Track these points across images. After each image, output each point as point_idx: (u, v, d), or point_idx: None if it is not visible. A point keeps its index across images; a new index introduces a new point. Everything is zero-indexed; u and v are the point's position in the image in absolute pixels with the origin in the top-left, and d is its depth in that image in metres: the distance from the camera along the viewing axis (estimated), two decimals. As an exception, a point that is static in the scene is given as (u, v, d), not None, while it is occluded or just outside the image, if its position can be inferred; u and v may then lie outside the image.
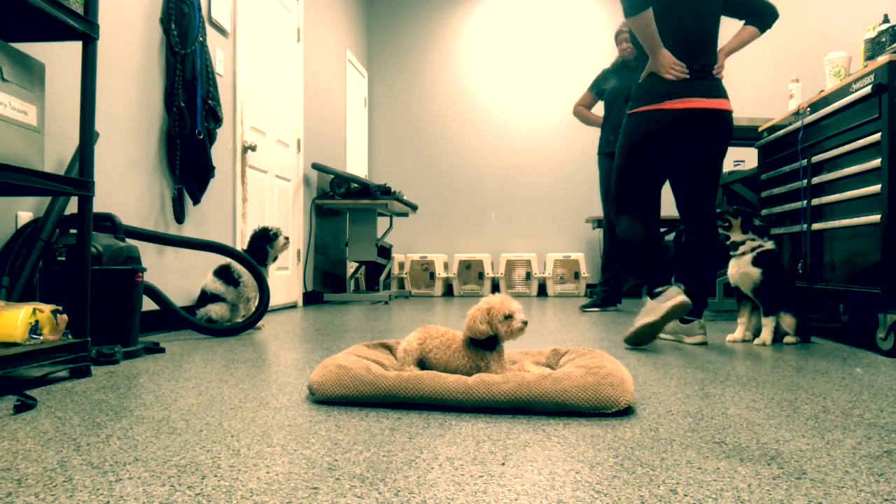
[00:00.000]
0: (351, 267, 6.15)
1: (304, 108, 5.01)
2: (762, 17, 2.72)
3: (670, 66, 2.53)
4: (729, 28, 4.21)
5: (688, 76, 2.55)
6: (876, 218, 2.41)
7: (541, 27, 6.92)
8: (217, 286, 3.08)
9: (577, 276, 6.51)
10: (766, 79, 5.19)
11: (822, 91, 2.86)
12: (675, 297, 2.47)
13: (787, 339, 2.67)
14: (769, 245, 2.69)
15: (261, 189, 4.23)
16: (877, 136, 2.42)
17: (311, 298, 5.21)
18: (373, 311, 4.38)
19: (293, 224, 4.83)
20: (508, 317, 1.59)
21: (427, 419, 1.37)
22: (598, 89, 4.70)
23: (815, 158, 2.90)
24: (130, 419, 1.36)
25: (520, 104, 6.92)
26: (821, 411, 1.44)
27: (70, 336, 1.86)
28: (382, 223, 6.91)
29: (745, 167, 4.67)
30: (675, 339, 2.74)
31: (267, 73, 4.31)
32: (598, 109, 4.95)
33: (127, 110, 2.81)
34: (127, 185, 2.80)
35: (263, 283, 3.00)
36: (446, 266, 6.81)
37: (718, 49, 2.72)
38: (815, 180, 2.89)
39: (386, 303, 5.36)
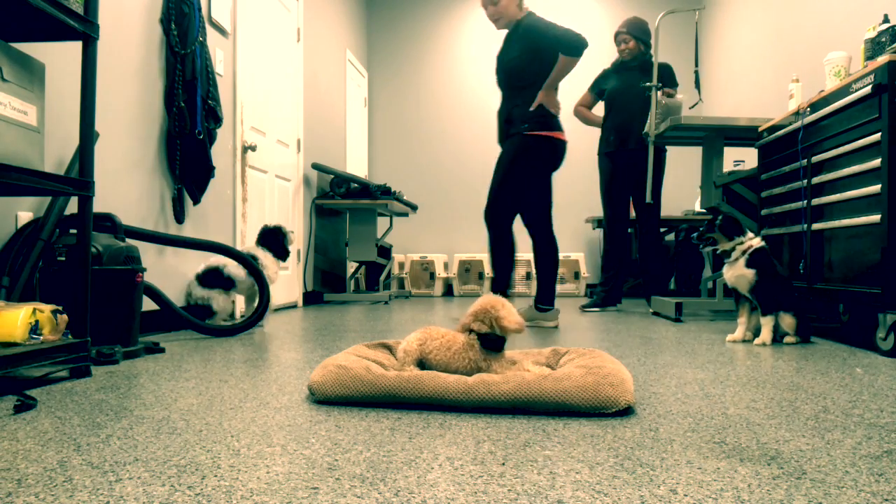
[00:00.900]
0: (351, 267, 6.15)
1: (304, 108, 5.01)
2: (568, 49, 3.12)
3: (558, 105, 3.25)
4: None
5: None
6: (876, 218, 2.41)
7: (541, 27, 6.92)
8: (203, 294, 3.11)
9: (577, 276, 6.52)
10: (766, 79, 5.19)
11: (822, 91, 2.86)
12: (554, 320, 3.34)
13: (787, 339, 2.67)
14: (758, 242, 2.70)
15: (261, 189, 4.23)
16: (877, 136, 2.42)
17: (311, 298, 5.21)
18: (373, 311, 4.38)
19: (293, 224, 4.83)
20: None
21: (427, 419, 1.37)
22: (597, 90, 4.71)
23: (815, 158, 2.90)
24: (130, 419, 1.36)
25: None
26: (821, 411, 1.44)
27: (70, 336, 1.86)
28: (382, 223, 6.91)
29: (745, 167, 4.67)
30: (534, 324, 3.34)
31: (267, 73, 4.31)
32: (599, 110, 4.96)
33: (127, 110, 2.81)
34: (127, 185, 2.80)
35: (263, 283, 3.00)
36: (446, 266, 6.81)
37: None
38: (815, 180, 2.89)
39: (386, 303, 5.36)
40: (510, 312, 1.64)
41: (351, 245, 5.46)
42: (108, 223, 2.37)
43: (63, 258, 2.11)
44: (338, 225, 5.92)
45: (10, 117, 1.71)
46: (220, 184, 3.61)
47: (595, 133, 6.75)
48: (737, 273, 2.70)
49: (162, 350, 2.39)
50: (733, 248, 2.73)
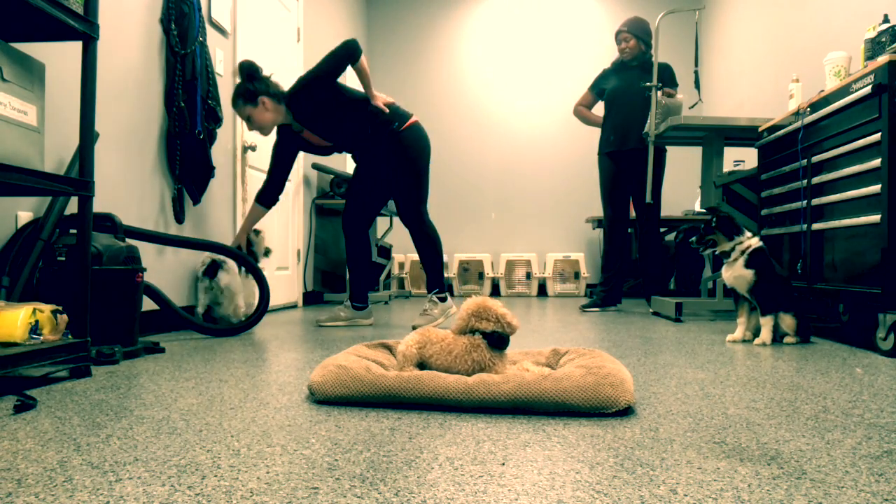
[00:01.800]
0: (351, 267, 6.14)
1: (304, 108, 5.00)
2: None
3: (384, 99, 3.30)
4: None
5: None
6: (876, 218, 2.41)
7: (541, 27, 6.92)
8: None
9: (577, 276, 6.52)
10: (766, 79, 5.19)
11: (822, 91, 2.86)
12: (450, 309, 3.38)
13: (787, 339, 2.67)
14: (756, 242, 2.70)
15: (261, 189, 4.22)
16: (877, 136, 2.42)
17: (311, 298, 5.21)
18: (373, 311, 4.38)
19: (293, 224, 4.83)
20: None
21: (427, 419, 1.37)
22: (598, 89, 4.71)
23: (815, 158, 2.90)
24: (130, 419, 1.36)
25: (520, 104, 6.92)
26: (821, 411, 1.44)
27: (70, 336, 1.86)
28: (382, 223, 6.91)
29: (745, 167, 4.67)
30: (350, 324, 3.41)
31: (267, 73, 4.30)
32: (599, 109, 4.97)
33: (127, 110, 2.81)
34: (127, 185, 2.80)
35: (263, 283, 3.00)
36: (446, 266, 6.81)
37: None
38: (815, 180, 2.89)
39: (386, 303, 5.36)
40: (509, 310, 1.65)
41: (351, 245, 5.44)
42: (108, 223, 2.37)
43: (63, 258, 2.11)
44: (338, 225, 5.92)
45: (10, 117, 1.71)
46: (220, 184, 3.61)
47: (595, 133, 6.75)
48: (735, 273, 2.70)
49: (162, 350, 2.39)
50: (732, 249, 2.73)
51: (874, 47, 2.78)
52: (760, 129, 3.55)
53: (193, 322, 2.72)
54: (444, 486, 0.96)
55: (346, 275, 5.99)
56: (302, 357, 2.26)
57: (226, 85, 3.70)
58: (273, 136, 4.33)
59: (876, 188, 2.41)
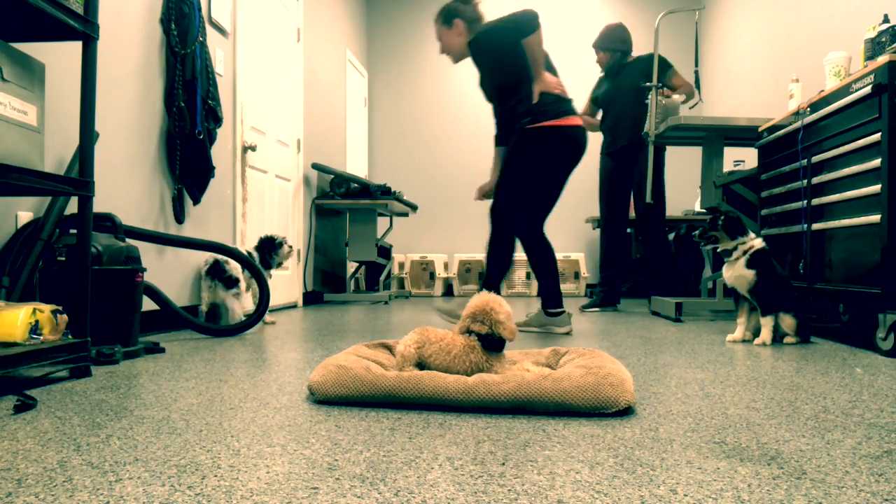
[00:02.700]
0: (351, 267, 6.15)
1: (304, 108, 5.01)
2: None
3: (556, 83, 2.89)
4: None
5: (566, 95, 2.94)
6: (876, 218, 2.41)
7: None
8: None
9: (577, 276, 6.52)
10: (766, 79, 5.19)
11: (822, 91, 2.86)
12: (566, 326, 3.04)
13: (787, 339, 2.67)
14: (759, 243, 2.70)
15: (261, 189, 4.23)
16: (877, 136, 2.42)
17: (311, 298, 5.21)
18: (373, 311, 4.38)
19: (293, 224, 4.83)
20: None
21: (427, 419, 1.37)
22: (593, 97, 4.77)
23: (815, 158, 2.90)
24: (130, 419, 1.36)
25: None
26: (821, 411, 1.44)
27: (70, 336, 1.86)
28: (382, 223, 6.91)
29: (745, 167, 4.67)
30: (545, 330, 3.10)
31: (267, 73, 4.31)
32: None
33: (127, 110, 2.81)
34: (127, 185, 2.80)
35: (263, 283, 3.00)
36: (446, 266, 6.81)
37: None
38: (815, 180, 2.89)
39: (386, 303, 5.36)
40: (508, 318, 1.63)
41: (351, 245, 5.45)
42: (108, 223, 2.37)
43: (63, 258, 2.11)
44: (338, 225, 5.92)
45: (10, 117, 1.71)
46: (220, 184, 3.61)
47: (595, 133, 6.75)
48: (736, 273, 2.70)
49: (162, 350, 2.39)
50: (734, 248, 2.73)
51: (874, 47, 2.78)
52: (760, 129, 3.55)
53: (194, 322, 2.72)
54: (444, 486, 0.96)
55: (345, 275, 6.00)
56: (302, 357, 2.26)
57: (226, 85, 3.70)
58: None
59: (876, 188, 2.41)
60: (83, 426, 1.31)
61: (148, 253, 2.91)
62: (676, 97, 4.18)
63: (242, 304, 3.27)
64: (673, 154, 6.75)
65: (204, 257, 3.27)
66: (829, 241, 2.79)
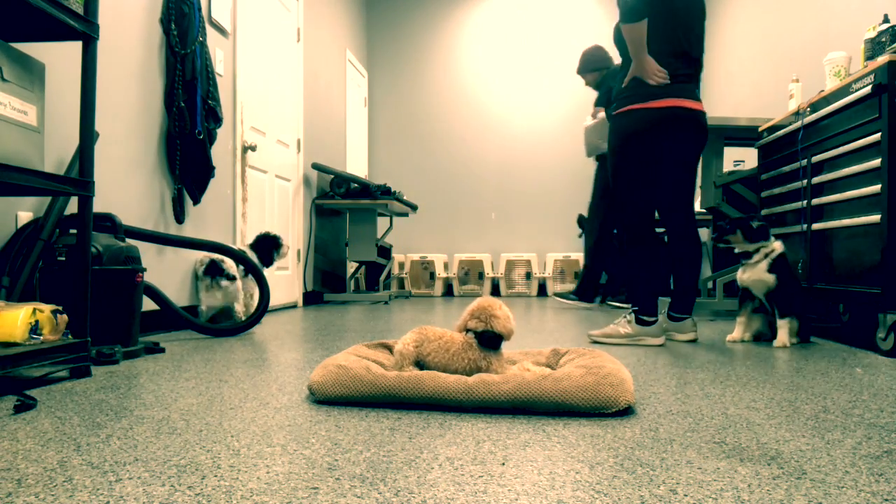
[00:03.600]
0: (351, 267, 6.15)
1: (304, 108, 5.01)
2: None
3: (654, 71, 2.60)
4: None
5: (668, 82, 2.61)
6: (876, 218, 2.41)
7: (541, 27, 6.92)
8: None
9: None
10: (766, 79, 5.19)
11: (822, 91, 2.86)
12: (657, 337, 2.64)
13: (790, 340, 2.67)
14: (779, 247, 2.67)
15: (261, 189, 4.23)
16: (877, 136, 2.42)
17: (311, 298, 5.21)
18: (373, 311, 4.38)
19: (293, 224, 4.83)
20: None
21: (427, 419, 1.37)
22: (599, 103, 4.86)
23: (815, 158, 2.90)
24: (130, 419, 1.36)
25: (520, 104, 6.92)
26: (821, 411, 1.44)
27: (70, 336, 1.86)
28: (382, 223, 6.91)
29: (745, 167, 4.67)
30: (666, 336, 2.76)
31: (267, 73, 4.31)
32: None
33: (127, 110, 2.81)
34: (127, 185, 2.80)
35: (263, 282, 3.00)
36: (446, 266, 6.81)
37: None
38: (815, 180, 2.89)
39: (386, 303, 5.36)
40: (506, 315, 1.64)
41: (351, 245, 5.45)
42: (108, 223, 2.37)
43: (63, 258, 2.11)
44: (338, 225, 5.92)
45: (10, 117, 1.71)
46: (220, 184, 3.61)
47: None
48: (756, 276, 2.66)
49: (162, 350, 2.39)
50: (755, 251, 2.69)
51: (874, 47, 2.78)
52: (760, 129, 3.55)
53: (194, 322, 2.72)
54: (444, 486, 0.96)
55: (345, 275, 6.00)
56: (302, 357, 2.26)
57: (226, 85, 3.70)
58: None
59: (876, 188, 2.41)
60: (83, 426, 1.31)
61: (148, 253, 2.91)
62: (595, 119, 4.46)
63: (241, 302, 3.27)
64: (673, 154, 6.75)
65: (200, 257, 3.26)
66: (829, 241, 2.79)
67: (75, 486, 0.96)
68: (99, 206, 2.58)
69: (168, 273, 3.09)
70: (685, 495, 0.92)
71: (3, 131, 1.68)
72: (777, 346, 2.58)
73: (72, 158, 2.32)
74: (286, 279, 4.68)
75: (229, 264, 3.21)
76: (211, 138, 3.27)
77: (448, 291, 6.74)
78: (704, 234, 5.80)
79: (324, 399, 1.52)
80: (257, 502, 0.89)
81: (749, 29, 5.53)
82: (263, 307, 2.97)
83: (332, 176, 5.23)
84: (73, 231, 2.25)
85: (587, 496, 0.92)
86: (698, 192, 6.16)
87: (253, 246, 3.51)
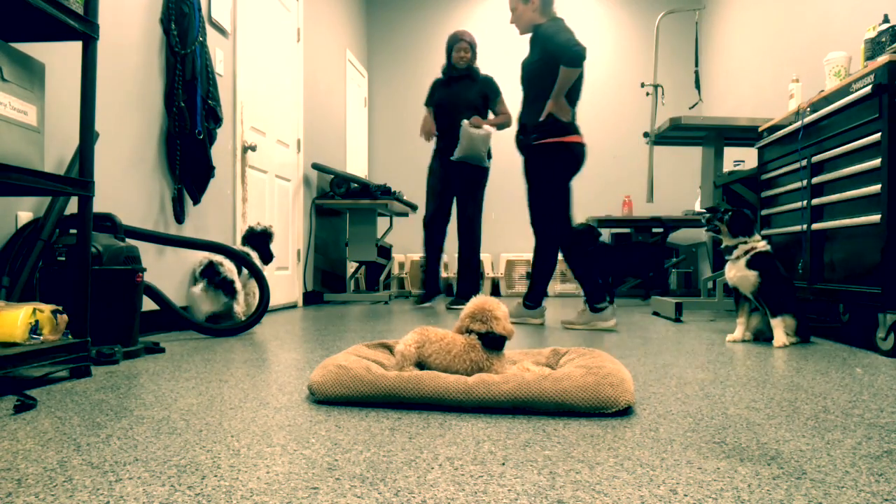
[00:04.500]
0: (351, 267, 6.15)
1: (304, 108, 5.01)
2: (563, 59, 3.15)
3: (567, 111, 3.21)
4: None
5: (572, 121, 3.28)
6: (876, 218, 2.41)
7: (541, 27, 6.92)
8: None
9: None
10: (766, 79, 5.19)
11: (822, 91, 2.86)
12: (610, 320, 3.26)
13: (788, 339, 2.67)
14: (762, 245, 2.69)
15: (261, 189, 4.23)
16: (877, 136, 2.42)
17: (311, 298, 5.21)
18: (373, 311, 4.38)
19: (293, 224, 4.83)
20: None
21: (427, 419, 1.37)
22: (429, 102, 4.76)
23: (815, 158, 2.90)
24: (130, 419, 1.36)
25: (519, 104, 6.91)
26: (821, 411, 1.44)
27: (70, 336, 1.86)
28: (382, 223, 6.91)
29: (745, 167, 4.67)
30: (588, 327, 3.26)
31: (267, 73, 4.31)
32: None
33: (127, 110, 2.81)
34: (127, 185, 2.80)
35: (263, 282, 3.00)
36: (446, 266, 6.81)
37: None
38: (815, 180, 2.89)
39: (386, 303, 5.36)
40: (505, 315, 1.65)
41: (351, 245, 5.45)
42: (108, 223, 2.37)
43: (63, 258, 2.11)
44: (338, 225, 5.92)
45: (10, 117, 1.71)
46: (220, 184, 3.61)
47: (596, 133, 6.75)
48: (739, 273, 2.69)
49: (162, 350, 2.39)
50: (735, 246, 2.72)
51: (874, 47, 2.78)
52: (760, 129, 3.55)
53: (194, 322, 2.72)
54: (444, 486, 0.96)
55: (345, 275, 6.00)
56: (302, 357, 2.26)
57: (226, 85, 3.70)
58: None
59: (876, 188, 2.41)
60: (83, 426, 1.31)
61: (148, 253, 2.91)
62: (488, 128, 4.35)
63: (240, 302, 3.26)
64: (673, 154, 6.75)
65: (199, 258, 3.26)
66: (829, 241, 2.79)
67: (75, 486, 0.96)
68: (99, 206, 2.58)
69: (168, 273, 3.09)
70: (685, 495, 0.92)
71: (3, 131, 1.68)
72: (777, 346, 2.59)
73: (72, 158, 2.32)
74: (286, 279, 4.68)
75: (228, 267, 3.19)
76: (211, 138, 3.27)
77: (448, 291, 6.74)
78: (703, 234, 5.80)
79: (324, 399, 1.52)
80: (257, 502, 0.89)
81: (749, 29, 5.53)
82: (263, 307, 2.97)
83: (332, 176, 5.23)
84: (73, 231, 2.25)
85: (587, 496, 0.92)
86: (698, 191, 6.17)
87: (247, 240, 3.52)
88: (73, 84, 2.45)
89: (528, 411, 1.42)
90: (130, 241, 2.57)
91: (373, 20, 7.10)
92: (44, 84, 1.87)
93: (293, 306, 4.82)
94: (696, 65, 4.57)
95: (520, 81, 3.44)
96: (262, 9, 4.23)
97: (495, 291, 6.69)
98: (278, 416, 1.39)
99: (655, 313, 4.18)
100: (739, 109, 5.72)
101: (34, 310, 1.74)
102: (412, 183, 7.02)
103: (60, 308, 1.84)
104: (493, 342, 1.63)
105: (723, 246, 2.79)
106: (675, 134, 4.03)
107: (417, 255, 6.73)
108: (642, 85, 4.53)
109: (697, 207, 5.76)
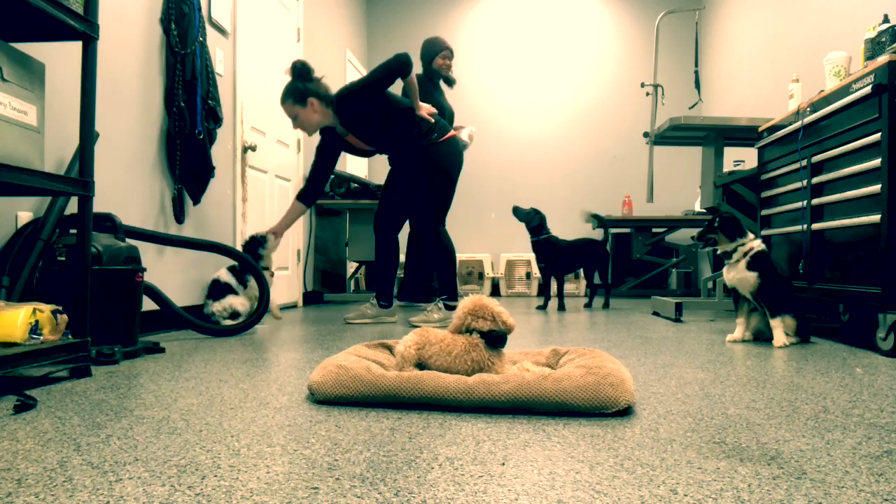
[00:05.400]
0: (351, 267, 6.15)
1: (304, 108, 5.00)
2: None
3: (429, 109, 3.38)
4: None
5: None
6: (876, 218, 2.41)
7: (541, 28, 6.92)
8: (231, 279, 3.28)
9: (576, 275, 6.51)
10: (766, 79, 5.19)
11: (822, 91, 2.86)
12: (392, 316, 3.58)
13: (788, 339, 2.67)
14: (758, 245, 2.69)
15: (261, 189, 4.23)
16: (877, 136, 2.42)
17: (311, 298, 5.21)
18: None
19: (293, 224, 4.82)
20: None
21: (427, 419, 1.37)
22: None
23: (815, 158, 2.90)
24: (130, 419, 1.36)
25: (519, 105, 6.92)
26: (821, 411, 1.44)
27: (70, 336, 1.86)
28: (382, 223, 6.90)
29: (745, 167, 4.67)
30: (376, 321, 3.53)
31: (267, 73, 4.31)
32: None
33: (127, 110, 2.81)
34: (127, 185, 2.80)
35: (263, 282, 3.00)
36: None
37: None
38: (815, 180, 2.89)
39: (386, 303, 5.35)
40: (505, 309, 1.65)
41: (351, 245, 5.45)
42: (108, 223, 2.37)
43: (63, 258, 2.11)
44: (338, 225, 5.92)
45: (10, 117, 1.71)
46: (220, 184, 3.61)
47: (595, 133, 6.75)
48: (738, 275, 2.69)
49: (162, 350, 2.39)
50: (734, 250, 2.72)
51: (874, 47, 2.78)
52: (760, 129, 3.55)
53: (194, 322, 2.72)
54: (444, 486, 0.96)
55: (345, 275, 6.00)
56: (302, 357, 2.26)
57: (226, 85, 3.70)
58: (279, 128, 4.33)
59: (876, 188, 2.41)
60: (83, 426, 1.31)
61: (148, 253, 2.91)
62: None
63: (241, 302, 3.27)
64: (673, 154, 6.75)
65: (199, 259, 3.27)
66: (829, 241, 2.79)
67: (75, 486, 0.96)
68: (99, 206, 2.58)
69: (168, 273, 3.09)
70: (685, 495, 0.92)
71: (3, 131, 1.68)
72: (777, 346, 2.58)
73: (72, 158, 2.32)
74: (286, 279, 4.68)
75: (225, 277, 3.27)
76: (211, 138, 3.27)
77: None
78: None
79: (324, 399, 1.52)
80: (257, 502, 0.89)
81: (749, 29, 5.53)
82: (263, 308, 2.97)
83: (332, 176, 5.23)
84: (73, 231, 2.25)
85: (587, 496, 0.92)
86: (698, 192, 6.17)
87: (246, 248, 3.52)
88: (73, 84, 2.45)
89: (528, 411, 1.42)
90: (130, 241, 2.57)
91: (373, 20, 7.10)
92: (44, 84, 1.87)
93: (293, 306, 4.82)
94: (696, 65, 4.57)
95: (368, 144, 3.45)
96: (262, 9, 4.23)
97: (495, 291, 6.69)
98: (278, 416, 1.39)
99: (655, 313, 4.18)
100: (739, 109, 5.72)
101: (34, 310, 1.74)
102: (412, 183, 7.01)
103: (60, 308, 1.84)
104: (498, 340, 1.62)
105: (720, 251, 2.78)
106: (675, 134, 4.03)
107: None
108: (642, 85, 4.52)
109: (697, 207, 5.76)
